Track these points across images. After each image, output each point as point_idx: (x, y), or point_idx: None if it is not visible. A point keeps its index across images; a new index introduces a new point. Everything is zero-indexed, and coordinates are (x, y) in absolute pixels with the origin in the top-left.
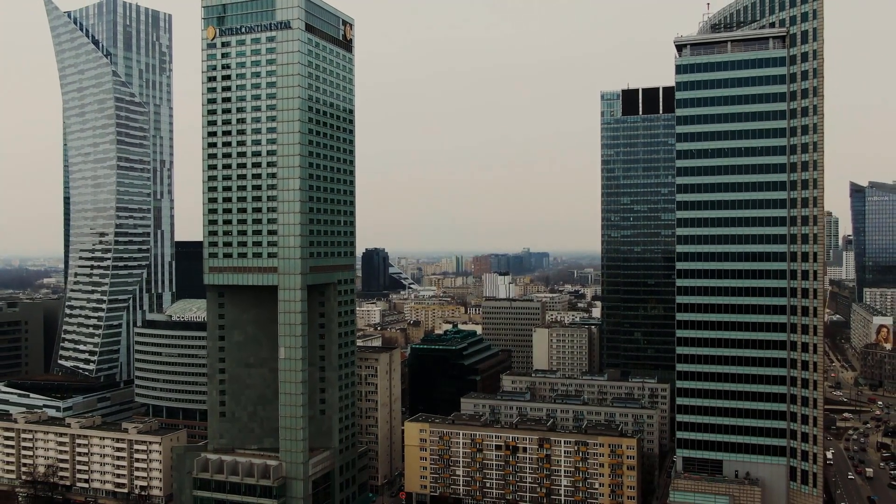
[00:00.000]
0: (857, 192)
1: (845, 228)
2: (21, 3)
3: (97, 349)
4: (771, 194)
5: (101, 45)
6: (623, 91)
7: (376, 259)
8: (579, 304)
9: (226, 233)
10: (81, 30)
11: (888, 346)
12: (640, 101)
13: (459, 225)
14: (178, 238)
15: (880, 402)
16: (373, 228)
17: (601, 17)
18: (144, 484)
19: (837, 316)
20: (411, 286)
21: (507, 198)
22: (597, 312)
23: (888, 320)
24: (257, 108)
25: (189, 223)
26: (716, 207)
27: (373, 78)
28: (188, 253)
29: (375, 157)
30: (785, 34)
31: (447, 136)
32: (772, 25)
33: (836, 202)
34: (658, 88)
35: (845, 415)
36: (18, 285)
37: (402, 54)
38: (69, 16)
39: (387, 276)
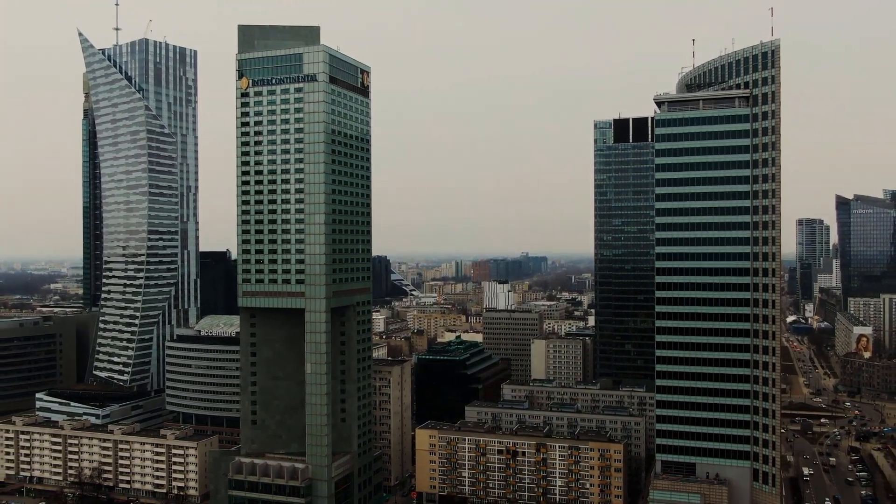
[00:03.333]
0: (842, 204)
1: (836, 236)
2: (37, 14)
3: (131, 361)
4: (736, 233)
5: (133, 80)
6: (615, 120)
7: (378, 266)
8: (576, 312)
9: (258, 261)
10: (115, 66)
11: (867, 354)
12: (631, 129)
13: (457, 227)
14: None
15: (848, 404)
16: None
17: (598, 47)
18: (182, 485)
19: (825, 323)
20: (413, 292)
21: (504, 199)
22: (593, 320)
23: (868, 330)
24: (286, 151)
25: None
26: (689, 244)
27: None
28: (202, 263)
29: (375, 158)
30: (748, 95)
31: (445, 134)
32: (738, 87)
33: (828, 211)
34: (647, 118)
35: (822, 420)
36: (24, 290)
37: (404, 60)
38: (104, 53)
39: (389, 283)
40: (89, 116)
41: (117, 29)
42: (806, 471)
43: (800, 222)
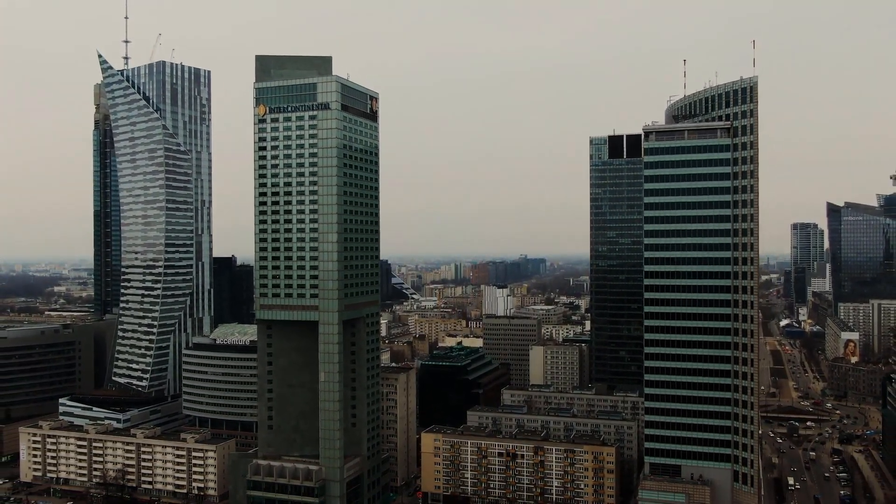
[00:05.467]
0: (833, 211)
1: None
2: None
3: (149, 367)
4: (718, 253)
5: (151, 100)
6: (609, 137)
7: (380, 271)
8: (573, 317)
9: (274, 276)
10: (133, 87)
11: (854, 359)
12: (625, 145)
13: (456, 227)
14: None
15: (829, 405)
16: None
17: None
18: (201, 485)
19: (817, 327)
20: (413, 296)
21: (503, 199)
22: (590, 325)
23: (855, 335)
24: (301, 174)
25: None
26: (674, 263)
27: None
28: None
29: None
30: (729, 126)
31: (443, 133)
32: (720, 118)
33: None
34: (640, 135)
35: (808, 423)
36: (27, 293)
37: (402, 59)
38: (122, 74)
39: (389, 287)
40: (100, 127)
41: (126, 41)
42: (791, 480)
43: (794, 226)
